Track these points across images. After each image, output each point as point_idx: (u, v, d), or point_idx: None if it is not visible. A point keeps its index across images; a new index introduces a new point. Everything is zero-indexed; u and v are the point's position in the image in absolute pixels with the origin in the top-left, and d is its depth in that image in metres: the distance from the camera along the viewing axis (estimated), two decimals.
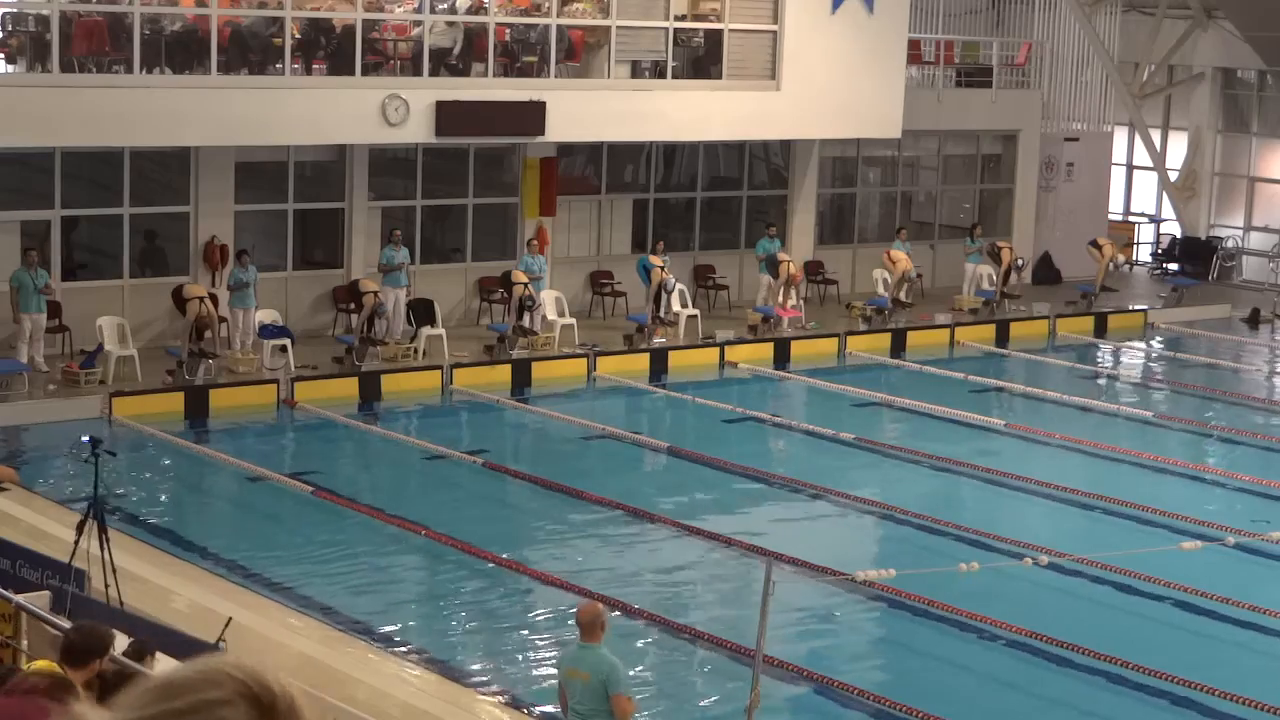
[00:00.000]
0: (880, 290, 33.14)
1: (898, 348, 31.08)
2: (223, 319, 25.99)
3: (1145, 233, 42.05)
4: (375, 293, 26.76)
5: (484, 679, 15.00)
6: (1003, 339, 32.48)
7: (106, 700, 8.50)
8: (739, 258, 32.99)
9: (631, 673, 12.79)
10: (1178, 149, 41.09)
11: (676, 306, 30.13)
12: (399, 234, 28.27)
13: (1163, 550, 18.65)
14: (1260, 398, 29.10)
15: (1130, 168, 42.22)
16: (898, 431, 25.14)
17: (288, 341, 26.07)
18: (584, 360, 27.95)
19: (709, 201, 33.34)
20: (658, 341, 29.08)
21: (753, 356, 29.49)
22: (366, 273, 28.25)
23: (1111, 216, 40.51)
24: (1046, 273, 37.42)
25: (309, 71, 27.30)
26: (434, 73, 27.84)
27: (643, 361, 28.44)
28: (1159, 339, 33.62)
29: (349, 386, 25.70)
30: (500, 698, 14.41)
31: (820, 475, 22.43)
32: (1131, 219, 42.12)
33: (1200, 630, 17.18)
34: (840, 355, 30.27)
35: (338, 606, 16.65)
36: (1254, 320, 35.19)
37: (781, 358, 29.79)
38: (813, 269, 33.89)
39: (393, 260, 27.84)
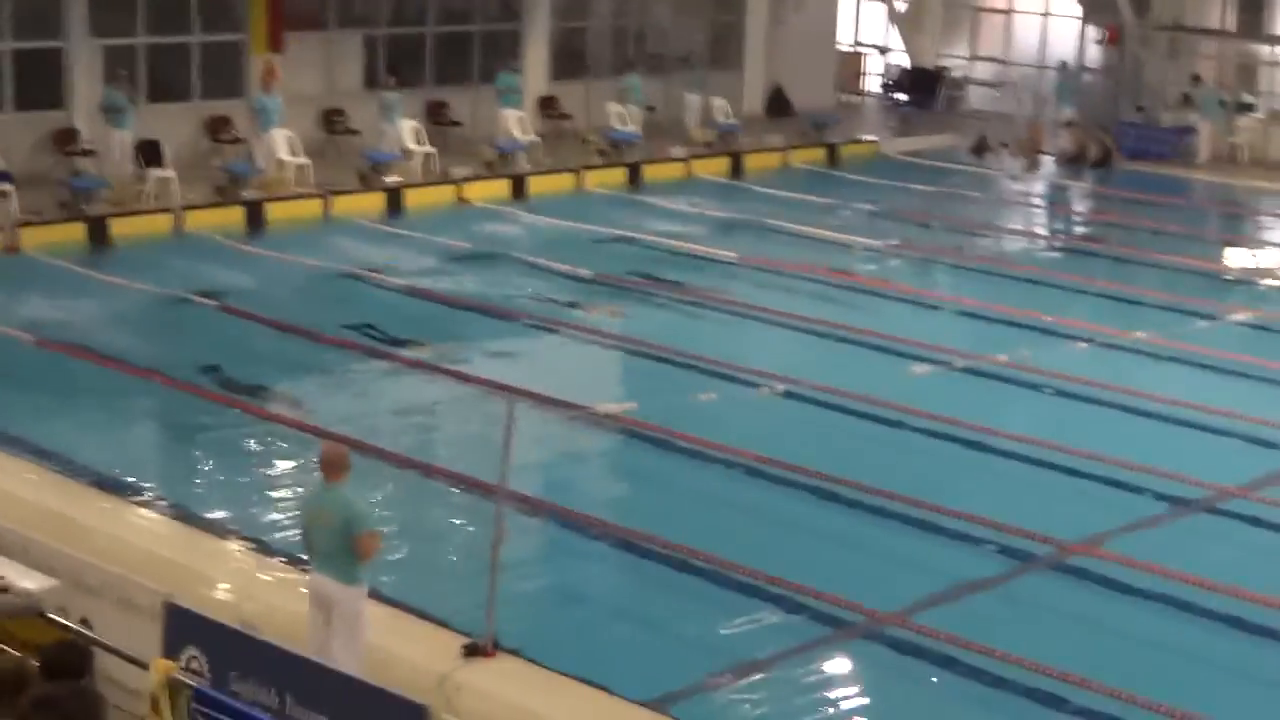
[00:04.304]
0: (614, 124, 33.11)
1: (634, 181, 31.23)
2: None
3: (874, 63, 42.58)
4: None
5: (227, 524, 14.84)
6: (736, 171, 32.83)
7: None
8: (473, 93, 32.68)
9: (376, 513, 12.75)
10: None
11: (411, 144, 29.80)
12: (124, 74, 27.44)
13: (895, 375, 19.18)
14: (984, 224, 29.86)
15: None
16: (637, 265, 25.25)
17: (9, 186, 25.22)
18: (319, 200, 27.57)
19: (440, 36, 32.88)
20: (392, 179, 28.77)
21: (490, 193, 29.38)
22: (89, 114, 27.42)
23: (840, 48, 40.93)
24: (779, 105, 37.77)
25: None
26: None
27: (378, 201, 28.17)
28: (888, 168, 34.19)
29: (76, 232, 25.03)
30: (244, 543, 14.29)
31: (561, 311, 22.52)
32: (860, 49, 42.58)
33: (934, 452, 17.65)
34: (577, 189, 30.33)
35: (74, 457, 16.28)
36: (979, 149, 36.00)
37: (519, 193, 29.72)
38: (547, 104, 33.73)
39: (116, 101, 27.02)
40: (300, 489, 15.18)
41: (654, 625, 13.42)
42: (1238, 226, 31.72)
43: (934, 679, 12.55)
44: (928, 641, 12.97)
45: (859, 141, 35.92)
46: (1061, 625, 13.73)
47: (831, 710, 12.16)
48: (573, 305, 22.84)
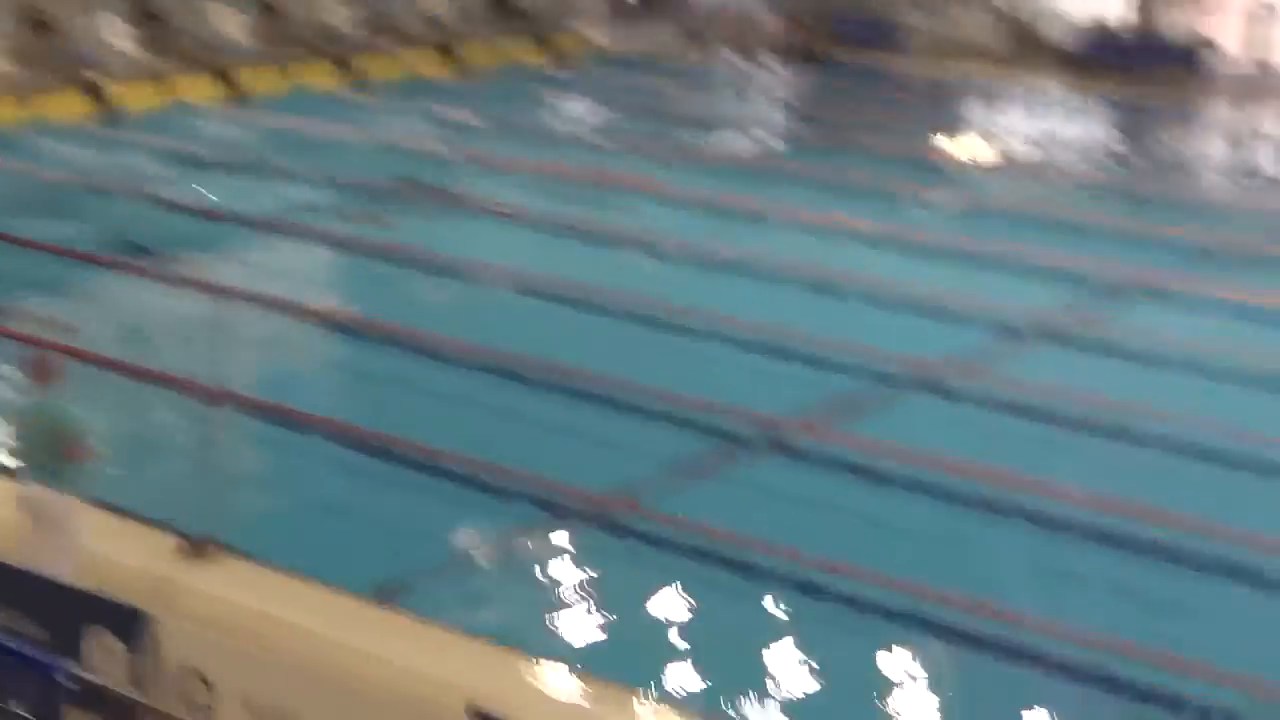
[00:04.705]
0: (331, 21, 32.69)
1: (355, 80, 30.94)
2: None
3: None
4: None
5: None
6: (460, 70, 32.72)
7: None
8: None
9: (91, 420, 12.57)
10: None
11: (122, 44, 29.08)
12: None
13: (624, 267, 19.40)
14: (705, 118, 30.19)
15: None
16: (368, 169, 24.98)
17: None
18: (22, 104, 26.84)
19: None
20: (105, 81, 28.09)
21: (208, 94, 28.87)
22: None
23: None
24: (502, 3, 37.63)
25: None
26: None
27: (90, 104, 27.50)
28: (610, 65, 34.33)
29: None
30: None
31: (298, 214, 22.23)
32: None
33: (656, 341, 17.87)
34: (298, 89, 29.99)
35: None
36: (698, 42, 36.29)
37: (237, 94, 29.24)
38: (262, 4, 33.17)
39: None
40: (10, 397, 14.84)
41: (377, 520, 13.40)
42: (953, 115, 32.48)
43: (653, 560, 12.79)
44: (648, 525, 13.21)
45: (580, 39, 35.94)
46: (776, 504, 14.05)
47: (553, 592, 12.33)
48: (307, 209, 22.55)
